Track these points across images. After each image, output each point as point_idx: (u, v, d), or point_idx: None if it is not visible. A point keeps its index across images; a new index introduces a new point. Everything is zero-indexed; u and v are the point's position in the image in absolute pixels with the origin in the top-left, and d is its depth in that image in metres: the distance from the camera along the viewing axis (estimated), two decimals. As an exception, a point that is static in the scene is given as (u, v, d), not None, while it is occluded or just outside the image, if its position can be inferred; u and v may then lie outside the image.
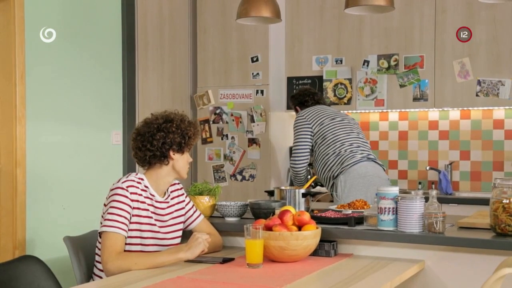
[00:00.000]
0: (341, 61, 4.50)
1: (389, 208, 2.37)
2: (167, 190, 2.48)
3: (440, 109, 4.31)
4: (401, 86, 4.32)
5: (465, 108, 4.26)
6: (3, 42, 3.36)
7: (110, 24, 4.04)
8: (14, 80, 3.33)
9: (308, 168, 3.70)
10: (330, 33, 4.52)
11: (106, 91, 4.00)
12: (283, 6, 4.51)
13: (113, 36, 4.06)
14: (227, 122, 4.60)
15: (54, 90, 3.62)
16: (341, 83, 4.47)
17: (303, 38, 4.61)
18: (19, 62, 3.35)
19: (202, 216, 2.60)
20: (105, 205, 2.34)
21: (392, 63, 4.34)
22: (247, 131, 4.53)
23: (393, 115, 4.56)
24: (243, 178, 4.54)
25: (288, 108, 4.65)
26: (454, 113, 4.38)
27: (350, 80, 4.45)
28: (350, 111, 4.58)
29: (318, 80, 4.54)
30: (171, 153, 2.38)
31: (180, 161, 2.42)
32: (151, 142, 2.36)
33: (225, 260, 2.31)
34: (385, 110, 4.43)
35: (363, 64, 4.42)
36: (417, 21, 4.27)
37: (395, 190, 2.40)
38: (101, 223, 2.30)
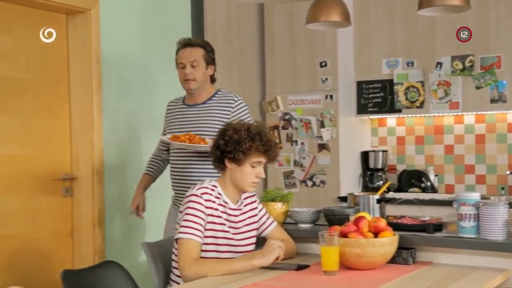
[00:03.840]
0: (412, 63, 4.39)
1: (470, 214, 2.28)
2: (240, 197, 2.49)
3: (520, 111, 4.13)
4: (477, 87, 4.16)
5: (546, 109, 4.06)
6: (81, 55, 3.48)
7: (180, 33, 4.10)
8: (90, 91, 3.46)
9: None
10: (400, 35, 4.42)
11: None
12: (350, 9, 4.44)
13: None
14: (296, 128, 4.58)
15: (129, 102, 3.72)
16: (413, 86, 4.36)
17: (372, 41, 4.53)
18: (96, 74, 3.47)
19: (275, 223, 2.59)
20: (181, 212, 2.37)
21: (467, 64, 4.19)
22: (316, 136, 4.50)
23: (469, 118, 4.40)
24: (314, 184, 4.50)
25: (359, 112, 4.58)
26: (535, 115, 4.18)
27: (422, 82, 4.33)
28: (423, 115, 4.46)
29: (388, 84, 4.45)
30: (226, 161, 2.39)
31: (237, 172, 2.38)
32: (215, 148, 2.42)
33: (300, 267, 2.29)
34: (460, 113, 4.28)
35: (436, 66, 4.29)
36: (493, 21, 4.10)
37: (476, 196, 2.31)
38: (177, 229, 2.33)
